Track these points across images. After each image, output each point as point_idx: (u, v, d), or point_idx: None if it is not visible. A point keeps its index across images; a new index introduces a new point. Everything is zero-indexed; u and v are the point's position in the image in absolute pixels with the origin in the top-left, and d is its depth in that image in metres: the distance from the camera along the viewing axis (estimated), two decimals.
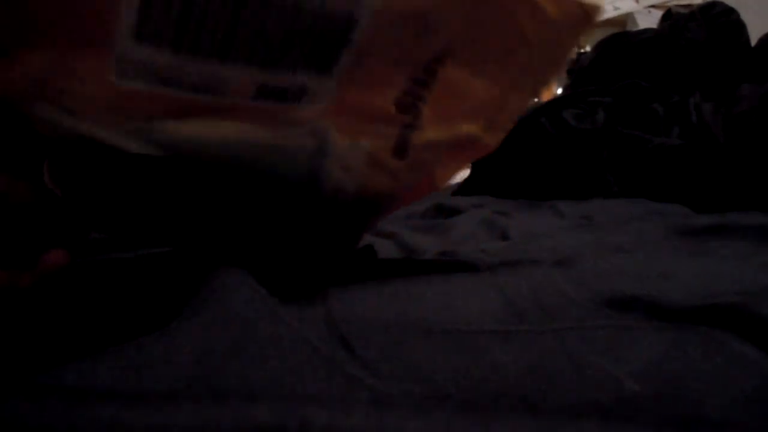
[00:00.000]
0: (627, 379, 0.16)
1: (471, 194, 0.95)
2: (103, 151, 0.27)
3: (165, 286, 0.25)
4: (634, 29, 1.31)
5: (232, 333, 0.18)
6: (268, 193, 0.32)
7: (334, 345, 0.20)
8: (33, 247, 0.28)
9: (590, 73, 1.04)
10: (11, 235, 0.29)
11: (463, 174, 1.25)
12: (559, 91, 2.21)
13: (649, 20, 2.28)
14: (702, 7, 0.92)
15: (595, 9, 0.29)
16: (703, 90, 0.82)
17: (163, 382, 0.15)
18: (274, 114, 0.28)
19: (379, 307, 0.24)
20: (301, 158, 0.31)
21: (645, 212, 0.58)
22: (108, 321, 0.21)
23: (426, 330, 0.21)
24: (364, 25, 0.24)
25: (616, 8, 2.43)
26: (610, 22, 2.38)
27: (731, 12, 0.91)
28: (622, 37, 1.03)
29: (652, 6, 2.39)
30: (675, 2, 2.17)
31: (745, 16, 0.91)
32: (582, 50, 2.18)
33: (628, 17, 2.43)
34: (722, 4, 0.92)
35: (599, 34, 1.22)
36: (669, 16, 1.00)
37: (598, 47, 1.06)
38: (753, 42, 0.89)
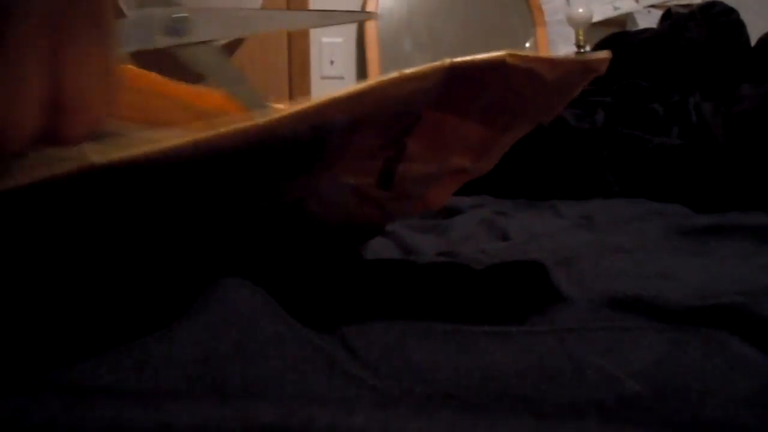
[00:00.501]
0: (627, 379, 0.16)
1: (471, 194, 0.95)
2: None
3: (166, 287, 0.25)
4: (634, 29, 1.31)
5: (233, 333, 0.18)
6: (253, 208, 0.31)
7: (336, 345, 0.20)
8: None
9: None
10: None
11: None
12: None
13: (649, 20, 2.27)
14: (702, 7, 0.92)
15: (603, 61, 0.27)
16: (703, 90, 0.82)
17: (165, 381, 0.15)
18: None
19: (379, 308, 0.24)
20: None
21: (645, 212, 0.58)
22: (110, 321, 0.21)
23: (426, 330, 0.21)
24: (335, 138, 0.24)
25: (616, 8, 2.43)
26: (610, 22, 2.38)
27: (731, 12, 0.91)
28: (622, 37, 1.03)
29: (652, 6, 2.39)
30: (675, 2, 2.17)
31: (745, 16, 0.91)
32: (582, 50, 2.18)
33: (628, 17, 2.43)
34: (722, 3, 0.92)
35: (599, 34, 1.22)
36: (669, 16, 1.00)
37: (598, 47, 1.06)
38: (753, 42, 0.89)
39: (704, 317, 0.22)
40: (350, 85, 0.22)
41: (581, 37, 2.23)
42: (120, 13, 0.34)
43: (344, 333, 0.21)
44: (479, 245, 0.45)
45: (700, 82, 0.85)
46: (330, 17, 0.41)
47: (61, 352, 0.16)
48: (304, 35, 2.12)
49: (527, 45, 2.51)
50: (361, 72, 2.18)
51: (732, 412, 0.14)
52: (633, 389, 0.16)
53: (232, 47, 0.50)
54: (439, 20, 2.30)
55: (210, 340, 0.17)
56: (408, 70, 0.22)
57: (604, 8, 2.41)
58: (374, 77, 0.25)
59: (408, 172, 0.31)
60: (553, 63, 0.26)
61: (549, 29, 2.44)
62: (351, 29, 2.21)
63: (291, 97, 2.03)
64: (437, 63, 0.23)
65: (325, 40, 2.16)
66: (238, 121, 0.19)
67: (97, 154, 0.19)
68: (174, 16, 0.36)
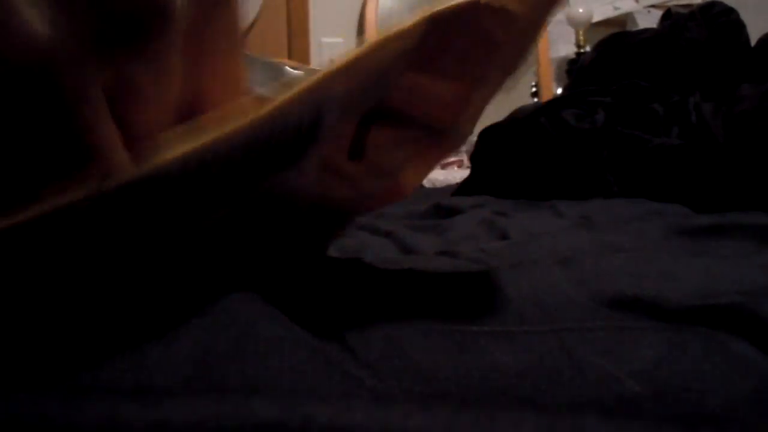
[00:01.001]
0: (627, 379, 0.16)
1: (471, 194, 0.95)
2: None
3: (164, 289, 0.25)
4: (634, 29, 1.31)
5: (232, 334, 0.18)
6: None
7: (334, 345, 0.20)
8: None
9: (590, 73, 1.04)
10: None
11: (463, 174, 1.25)
12: (559, 91, 2.21)
13: (649, 20, 2.28)
14: (702, 7, 0.92)
15: None
16: (703, 90, 0.82)
17: (162, 380, 0.15)
18: None
19: (379, 308, 0.24)
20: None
21: (645, 212, 0.58)
22: (108, 324, 0.21)
23: (426, 330, 0.21)
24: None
25: (616, 8, 2.43)
26: (610, 22, 2.38)
27: (731, 12, 0.91)
28: (622, 37, 1.03)
29: (652, 6, 2.39)
30: (675, 2, 2.17)
31: (745, 16, 0.91)
32: (582, 50, 2.18)
33: (628, 17, 2.43)
34: (722, 3, 0.92)
35: (599, 34, 1.22)
36: (669, 16, 1.00)
37: (598, 47, 1.06)
38: (753, 42, 0.89)
39: (704, 317, 0.22)
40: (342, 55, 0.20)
41: (581, 37, 2.23)
42: None
43: (344, 334, 0.21)
44: (479, 245, 0.45)
45: (700, 82, 0.85)
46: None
47: (59, 351, 0.16)
48: (304, 35, 2.12)
49: None
50: None
51: (732, 412, 0.14)
52: (633, 389, 0.16)
53: None
54: None
55: (208, 340, 0.17)
56: (392, 29, 0.21)
57: (604, 8, 2.41)
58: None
59: (380, 138, 0.29)
60: None
61: (549, 29, 2.44)
62: (351, 29, 2.21)
63: None
64: (417, 16, 0.22)
65: (325, 40, 2.16)
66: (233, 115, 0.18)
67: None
68: None
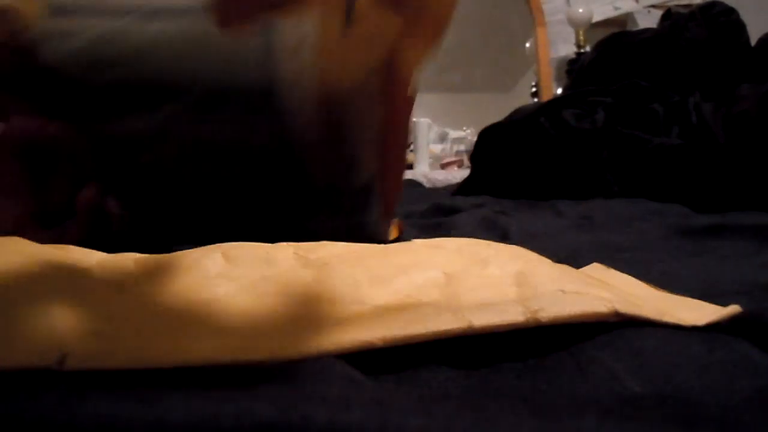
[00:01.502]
0: (628, 378, 0.16)
1: (470, 194, 0.95)
2: None
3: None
4: (634, 29, 1.31)
5: None
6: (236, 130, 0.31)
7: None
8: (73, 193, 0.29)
9: (590, 73, 1.04)
10: (59, 182, 0.29)
11: (463, 174, 1.25)
12: (559, 91, 2.21)
13: (649, 20, 2.28)
14: (702, 7, 0.92)
15: None
16: (703, 90, 0.82)
17: (160, 381, 0.15)
18: None
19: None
20: (251, 47, 0.30)
21: (645, 212, 0.58)
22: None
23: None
24: None
25: (616, 8, 2.43)
26: (610, 22, 2.38)
27: (731, 12, 0.91)
28: (622, 37, 1.03)
29: (652, 6, 2.39)
30: (675, 2, 2.17)
31: (745, 16, 0.91)
32: (582, 50, 2.18)
33: (628, 17, 2.43)
34: (722, 4, 0.92)
35: (599, 34, 1.22)
36: (669, 16, 1.00)
37: (598, 47, 1.06)
38: (753, 42, 0.89)
39: None
40: None
41: (581, 37, 2.23)
42: None
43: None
44: None
45: (700, 82, 0.85)
46: None
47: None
48: None
49: (527, 45, 2.51)
50: None
51: (732, 412, 0.14)
52: (633, 388, 0.16)
53: None
54: None
55: None
56: None
57: (604, 8, 2.41)
58: None
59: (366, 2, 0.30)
60: None
61: (549, 29, 2.44)
62: None
63: None
64: None
65: None
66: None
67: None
68: None
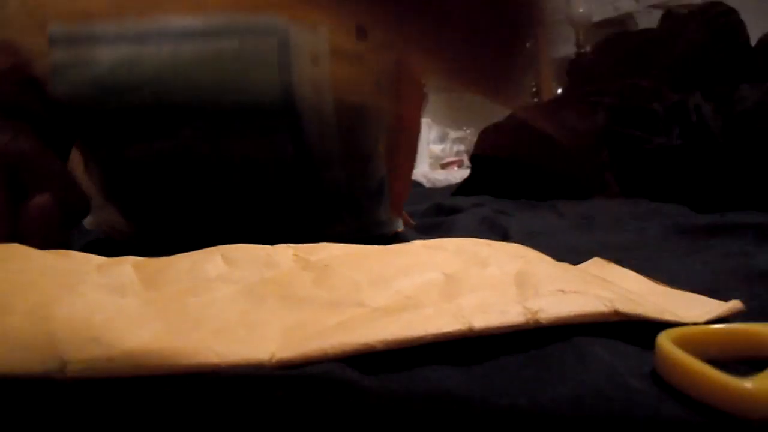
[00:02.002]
0: (629, 376, 0.16)
1: (470, 194, 0.95)
2: None
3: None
4: (634, 29, 1.31)
5: None
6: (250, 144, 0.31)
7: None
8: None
9: (590, 73, 1.04)
10: None
11: (463, 174, 1.25)
12: (559, 91, 2.21)
13: (649, 20, 2.27)
14: (702, 7, 0.92)
15: None
16: (703, 90, 0.82)
17: (160, 386, 0.15)
18: None
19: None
20: (269, 65, 0.30)
21: (645, 212, 0.58)
22: None
23: None
24: None
25: (616, 8, 2.43)
26: (610, 22, 2.38)
27: (731, 12, 0.91)
28: (622, 37, 1.03)
29: (652, 6, 2.39)
30: (675, 2, 2.17)
31: (745, 16, 0.91)
32: (582, 50, 2.18)
33: (628, 17, 2.43)
34: (722, 4, 0.91)
35: (599, 34, 1.22)
36: (669, 16, 1.00)
37: (598, 47, 1.06)
38: (753, 42, 0.89)
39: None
40: None
41: (581, 37, 2.23)
42: None
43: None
44: None
45: (700, 82, 0.85)
46: None
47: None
48: None
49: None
50: None
51: (732, 417, 0.14)
52: (635, 386, 0.16)
53: None
54: None
55: None
56: None
57: (604, 8, 2.41)
58: None
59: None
60: None
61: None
62: None
63: None
64: None
65: None
66: None
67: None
68: None
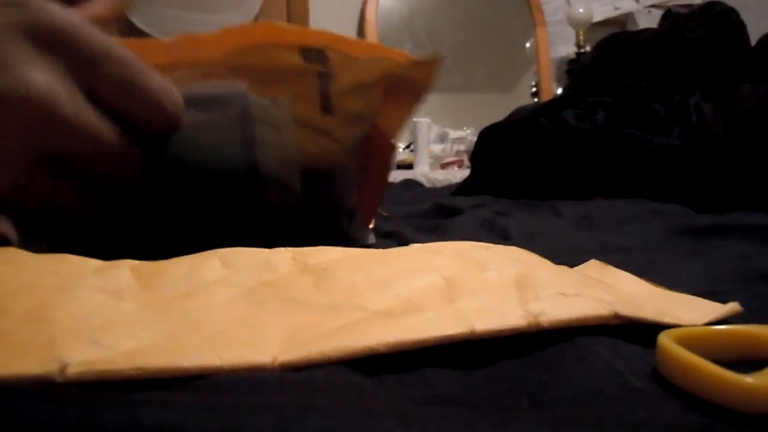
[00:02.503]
0: (631, 376, 0.16)
1: (470, 194, 0.95)
2: None
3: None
4: (634, 29, 1.31)
5: None
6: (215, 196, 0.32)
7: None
8: None
9: (590, 73, 1.04)
10: None
11: (463, 174, 1.25)
12: (559, 91, 2.21)
13: (649, 20, 2.28)
14: (702, 7, 0.92)
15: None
16: (703, 90, 0.82)
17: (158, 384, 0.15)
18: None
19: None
20: (231, 134, 0.31)
21: (645, 212, 0.58)
22: None
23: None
24: None
25: (616, 8, 2.43)
26: (610, 22, 2.38)
27: (731, 12, 0.91)
28: (622, 37, 1.03)
29: (652, 6, 2.39)
30: (675, 2, 2.17)
31: (745, 16, 0.91)
32: (582, 50, 2.18)
33: (628, 17, 2.43)
34: (722, 4, 0.92)
35: (599, 34, 1.22)
36: (669, 16, 1.00)
37: (598, 47, 1.06)
38: (753, 42, 0.89)
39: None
40: None
41: (581, 37, 2.23)
42: None
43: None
44: None
45: (701, 82, 0.85)
46: None
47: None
48: None
49: (527, 45, 2.51)
50: None
51: (736, 415, 0.14)
52: (637, 386, 0.16)
53: None
54: (439, 20, 2.30)
55: None
56: None
57: (604, 8, 2.41)
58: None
59: (341, 89, 0.32)
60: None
61: (549, 29, 2.44)
62: (351, 29, 2.21)
63: None
64: None
65: None
66: None
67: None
68: None
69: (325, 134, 0.33)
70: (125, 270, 0.22)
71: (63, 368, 0.15)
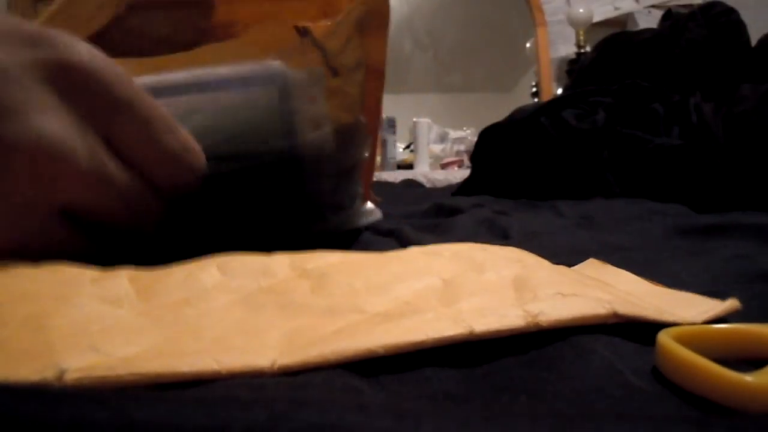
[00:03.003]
0: (630, 374, 0.16)
1: (470, 194, 0.95)
2: None
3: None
4: (634, 29, 1.31)
5: None
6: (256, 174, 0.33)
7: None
8: None
9: (590, 73, 1.04)
10: None
11: (463, 174, 1.25)
12: (559, 91, 2.21)
13: (649, 20, 2.28)
14: (702, 7, 0.92)
15: None
16: (703, 90, 0.82)
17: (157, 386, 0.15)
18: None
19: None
20: (272, 112, 0.32)
21: (645, 212, 0.58)
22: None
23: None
24: None
25: (616, 8, 2.43)
26: (610, 22, 2.39)
27: (731, 12, 0.91)
28: (622, 37, 1.03)
29: (652, 6, 2.39)
30: (675, 2, 2.17)
31: (745, 16, 0.91)
32: (582, 50, 2.18)
33: (628, 17, 2.43)
34: (722, 4, 0.92)
35: (599, 34, 1.22)
36: (669, 16, 1.00)
37: (598, 47, 1.06)
38: (753, 42, 0.89)
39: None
40: None
41: (581, 37, 2.23)
42: None
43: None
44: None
45: (701, 82, 0.85)
46: None
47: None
48: None
49: (527, 45, 2.51)
50: None
51: (738, 416, 0.14)
52: (637, 385, 0.16)
53: None
54: (439, 20, 2.29)
55: None
56: None
57: (604, 8, 2.41)
58: None
59: (333, 49, 0.35)
60: None
61: (549, 29, 2.44)
62: None
63: None
64: None
65: None
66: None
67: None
68: None
69: (338, 93, 0.35)
70: (123, 278, 0.22)
71: (61, 374, 0.14)
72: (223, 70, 0.30)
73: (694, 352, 0.16)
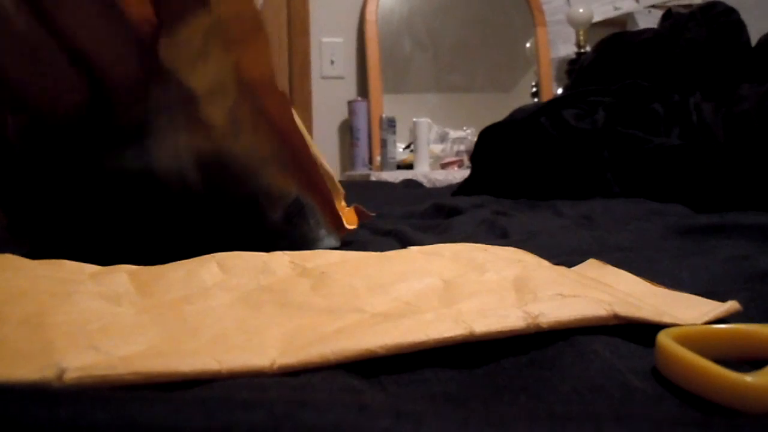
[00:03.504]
0: (630, 374, 0.16)
1: (470, 194, 0.95)
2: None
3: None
4: (634, 29, 1.31)
5: None
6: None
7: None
8: None
9: (590, 73, 1.04)
10: None
11: (463, 174, 1.25)
12: (559, 91, 2.21)
13: (649, 20, 2.28)
14: (702, 7, 0.92)
15: None
16: (703, 90, 0.82)
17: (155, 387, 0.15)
18: None
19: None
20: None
21: (645, 212, 0.58)
22: None
23: None
24: None
25: (616, 8, 2.43)
26: (610, 22, 2.38)
27: (731, 12, 0.90)
28: (622, 37, 1.03)
29: (652, 6, 2.39)
30: (675, 2, 2.17)
31: (745, 16, 0.91)
32: (582, 50, 2.18)
33: (628, 17, 2.43)
34: (722, 4, 0.91)
35: (599, 34, 1.22)
36: (669, 16, 1.00)
37: (598, 47, 1.06)
38: (753, 42, 0.89)
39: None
40: None
41: (581, 37, 2.23)
42: None
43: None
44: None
45: (701, 82, 0.85)
46: None
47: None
48: (304, 35, 2.12)
49: (527, 45, 2.51)
50: (361, 72, 2.17)
51: (739, 416, 0.14)
52: (637, 386, 0.15)
53: None
54: (439, 20, 2.29)
55: None
56: None
57: (604, 8, 2.41)
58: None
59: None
60: None
61: (549, 29, 2.44)
62: (351, 29, 2.21)
63: (291, 96, 2.02)
64: None
65: (325, 40, 2.16)
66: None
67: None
68: None
69: (195, 122, 0.33)
70: (123, 275, 0.22)
71: (61, 373, 0.14)
72: None
73: (693, 353, 0.16)
